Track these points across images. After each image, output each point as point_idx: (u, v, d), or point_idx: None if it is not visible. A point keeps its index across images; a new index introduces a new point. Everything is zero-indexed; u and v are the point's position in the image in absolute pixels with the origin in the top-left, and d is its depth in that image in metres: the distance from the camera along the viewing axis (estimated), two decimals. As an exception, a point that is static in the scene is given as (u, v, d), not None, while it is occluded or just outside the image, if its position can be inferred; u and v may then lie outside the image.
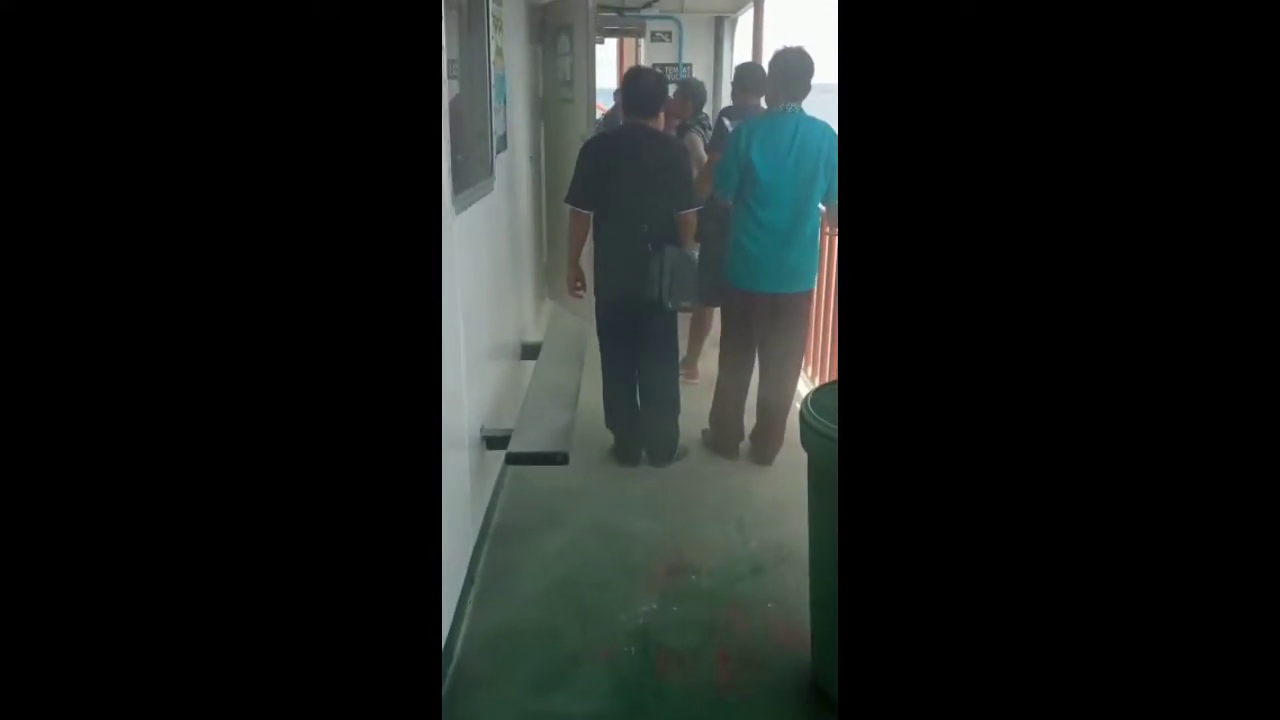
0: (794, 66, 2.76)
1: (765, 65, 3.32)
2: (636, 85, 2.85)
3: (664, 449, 3.04)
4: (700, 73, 5.95)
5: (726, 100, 5.94)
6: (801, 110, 2.79)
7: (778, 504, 2.78)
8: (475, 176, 2.34)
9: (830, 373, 3.48)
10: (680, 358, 3.22)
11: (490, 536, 2.58)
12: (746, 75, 3.74)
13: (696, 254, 2.90)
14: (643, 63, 6.43)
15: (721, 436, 3.15)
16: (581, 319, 3.38)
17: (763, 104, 3.33)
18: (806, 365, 3.59)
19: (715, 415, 3.16)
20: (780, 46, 2.89)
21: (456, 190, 2.01)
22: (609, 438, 3.11)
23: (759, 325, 2.95)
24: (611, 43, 7.02)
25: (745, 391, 3.11)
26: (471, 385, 2.21)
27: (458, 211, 2.02)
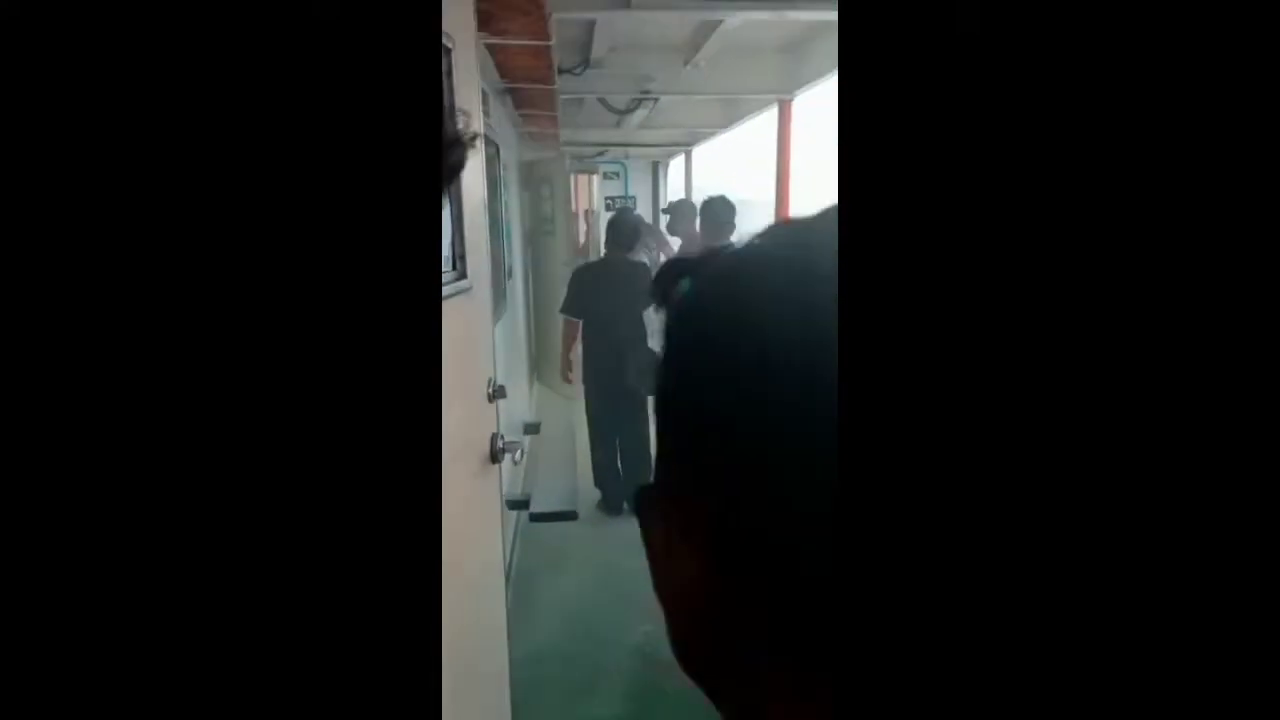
0: (720, 212, 3.00)
1: (695, 200, 3.58)
2: (616, 229, 3.15)
3: (641, 501, 3.23)
4: (642, 202, 6.35)
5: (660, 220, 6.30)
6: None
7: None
8: (498, 301, 2.55)
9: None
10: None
11: (511, 581, 2.69)
12: (677, 211, 4.00)
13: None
14: (596, 196, 6.80)
15: None
16: (565, 399, 3.58)
17: (697, 229, 3.61)
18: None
19: None
20: (706, 196, 3.13)
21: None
22: (596, 493, 3.27)
23: None
24: (570, 177, 7.38)
25: None
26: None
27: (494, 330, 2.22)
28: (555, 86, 2.50)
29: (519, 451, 1.24)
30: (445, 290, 0.99)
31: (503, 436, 1.22)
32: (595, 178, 6.73)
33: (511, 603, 2.55)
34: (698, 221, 3.42)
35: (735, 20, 2.11)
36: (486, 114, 2.36)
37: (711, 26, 2.50)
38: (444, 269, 1.03)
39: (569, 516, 2.46)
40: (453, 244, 1.03)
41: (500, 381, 2.93)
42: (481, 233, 1.22)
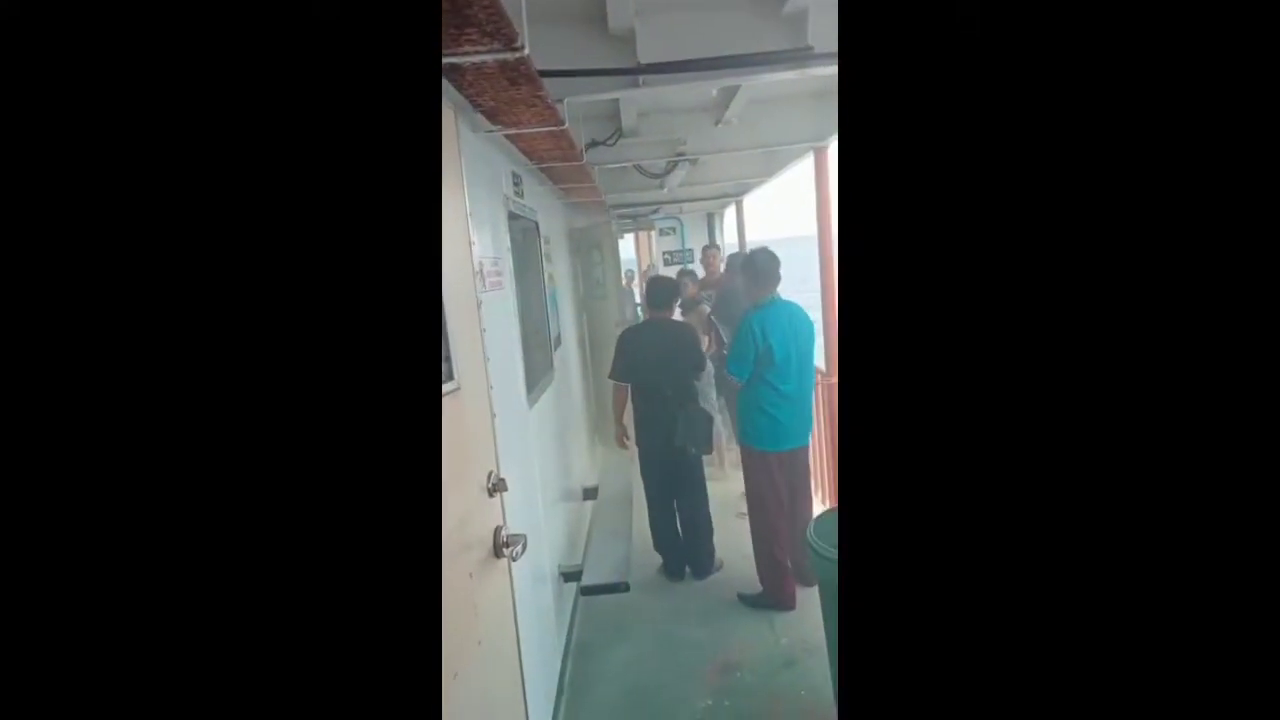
0: (764, 265, 2.75)
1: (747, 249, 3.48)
2: (655, 290, 3.15)
3: (703, 564, 3.12)
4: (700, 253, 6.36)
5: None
6: (779, 296, 2.77)
7: (798, 602, 2.82)
8: (541, 372, 2.58)
9: (829, 499, 3.50)
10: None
11: (572, 653, 2.64)
12: (733, 263, 3.97)
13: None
14: (654, 249, 6.89)
15: (775, 588, 2.82)
16: (626, 459, 3.54)
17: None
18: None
19: (763, 568, 2.84)
20: (749, 249, 2.92)
21: (529, 388, 2.23)
22: (658, 558, 3.19)
23: (781, 477, 2.78)
24: (629, 235, 7.51)
25: (782, 536, 2.82)
26: (548, 530, 2.34)
27: (531, 405, 2.23)
28: (583, 162, 2.56)
29: (521, 545, 1.21)
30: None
31: (506, 530, 1.21)
32: (653, 234, 6.84)
33: (571, 676, 2.50)
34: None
35: (755, 78, 2.10)
36: (519, 195, 2.44)
37: (734, 86, 2.51)
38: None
39: (620, 589, 2.39)
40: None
41: (565, 445, 2.92)
42: (474, 332, 1.24)
